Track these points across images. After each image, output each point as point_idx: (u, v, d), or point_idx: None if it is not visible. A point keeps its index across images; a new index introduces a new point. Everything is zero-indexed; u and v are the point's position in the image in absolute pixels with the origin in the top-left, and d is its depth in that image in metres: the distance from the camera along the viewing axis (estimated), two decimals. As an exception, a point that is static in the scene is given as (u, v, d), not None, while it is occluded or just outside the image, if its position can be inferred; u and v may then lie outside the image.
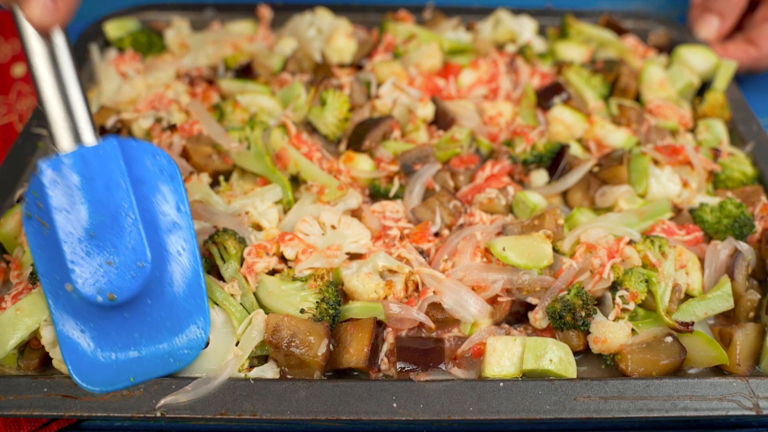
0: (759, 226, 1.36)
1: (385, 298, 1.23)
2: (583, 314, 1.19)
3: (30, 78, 1.92)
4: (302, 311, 1.17)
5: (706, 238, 1.37)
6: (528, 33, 1.92)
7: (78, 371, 1.09)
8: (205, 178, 1.40)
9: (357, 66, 1.80)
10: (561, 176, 1.47)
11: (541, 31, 1.97)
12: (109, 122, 1.57)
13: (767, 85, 1.98)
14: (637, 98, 1.74)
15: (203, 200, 1.34)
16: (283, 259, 1.29)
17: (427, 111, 1.58)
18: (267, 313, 1.19)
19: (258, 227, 1.34)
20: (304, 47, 1.81)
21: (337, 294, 1.21)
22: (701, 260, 1.32)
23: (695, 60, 1.79)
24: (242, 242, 1.28)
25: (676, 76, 1.75)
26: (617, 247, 1.25)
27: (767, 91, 1.96)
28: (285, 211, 1.39)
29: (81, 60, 1.80)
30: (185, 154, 1.45)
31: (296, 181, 1.44)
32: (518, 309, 1.28)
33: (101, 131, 1.56)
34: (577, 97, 1.67)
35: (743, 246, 1.30)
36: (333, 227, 1.31)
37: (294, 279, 1.24)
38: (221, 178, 1.44)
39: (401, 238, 1.33)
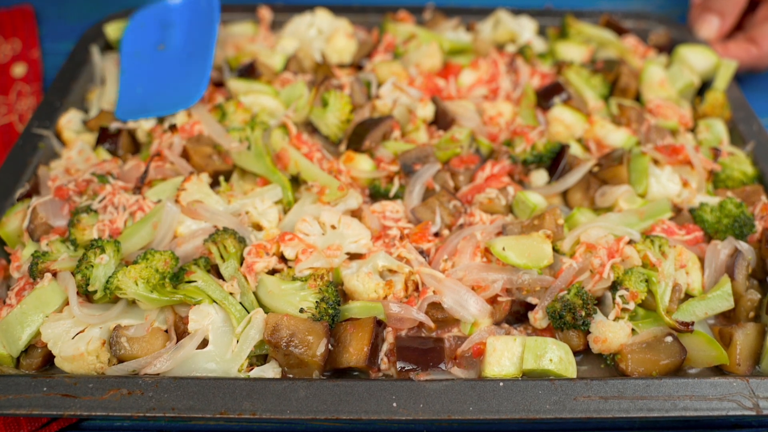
0: (759, 226, 1.36)
1: (385, 297, 1.23)
2: (583, 314, 1.19)
3: (29, 78, 1.94)
4: (301, 311, 1.17)
5: (706, 237, 1.37)
6: (528, 33, 1.92)
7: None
8: (205, 178, 1.40)
9: (357, 66, 1.80)
10: (561, 176, 1.47)
11: (541, 32, 1.97)
12: (113, 125, 1.57)
13: (767, 85, 1.97)
14: (637, 98, 1.74)
15: (203, 200, 1.34)
16: (282, 258, 1.29)
17: (427, 111, 1.58)
18: (266, 312, 1.19)
19: (258, 227, 1.34)
20: (304, 47, 1.82)
21: (337, 294, 1.21)
22: (701, 260, 1.32)
23: (695, 59, 1.78)
24: (242, 242, 1.28)
25: (677, 76, 1.75)
26: (617, 247, 1.25)
27: (767, 90, 1.96)
28: (285, 212, 1.39)
29: (82, 62, 1.81)
30: (185, 154, 1.46)
31: (296, 181, 1.44)
32: (518, 309, 1.27)
33: (102, 133, 1.55)
34: (577, 97, 1.67)
35: (743, 246, 1.30)
36: (333, 227, 1.31)
37: (294, 279, 1.24)
38: (221, 178, 1.44)
39: (401, 238, 1.33)
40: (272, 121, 1.56)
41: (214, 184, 1.44)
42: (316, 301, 1.18)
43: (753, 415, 1.08)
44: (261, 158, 1.43)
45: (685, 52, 1.80)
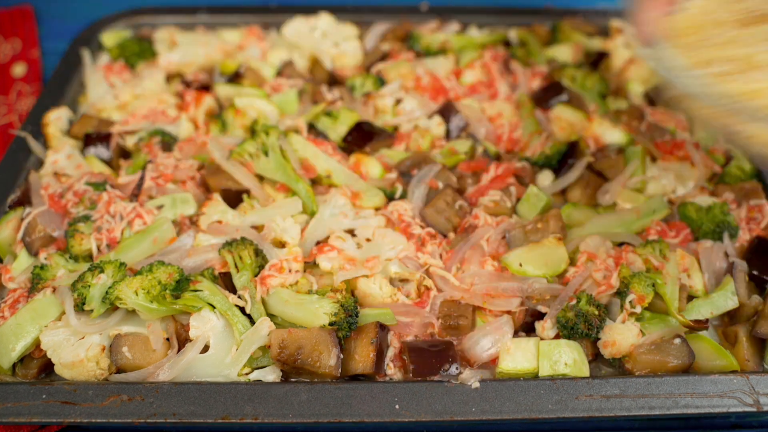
0: (745, 230, 1.36)
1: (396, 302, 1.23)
2: (598, 322, 1.18)
3: (29, 78, 1.92)
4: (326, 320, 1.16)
5: (693, 236, 1.37)
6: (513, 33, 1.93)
7: None
8: (218, 197, 1.40)
9: (366, 68, 1.79)
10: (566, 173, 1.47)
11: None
12: (115, 128, 1.56)
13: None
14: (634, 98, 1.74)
15: (221, 219, 1.34)
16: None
17: (440, 130, 1.58)
18: (277, 323, 1.18)
19: (281, 244, 1.32)
20: (312, 52, 1.81)
21: (356, 305, 1.19)
22: (697, 260, 1.31)
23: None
24: (258, 254, 1.26)
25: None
26: (620, 256, 1.25)
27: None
28: (309, 217, 1.38)
29: (74, 65, 1.79)
30: (203, 182, 1.46)
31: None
32: (528, 320, 1.25)
33: (87, 139, 1.53)
34: (575, 98, 1.67)
35: (739, 263, 1.29)
36: (368, 240, 1.30)
37: (309, 292, 1.22)
38: (244, 195, 1.42)
39: (422, 243, 1.32)
40: (282, 125, 1.55)
41: (237, 201, 1.42)
42: (335, 311, 1.16)
43: (754, 411, 1.09)
44: (281, 165, 1.41)
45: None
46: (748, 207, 1.40)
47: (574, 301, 1.20)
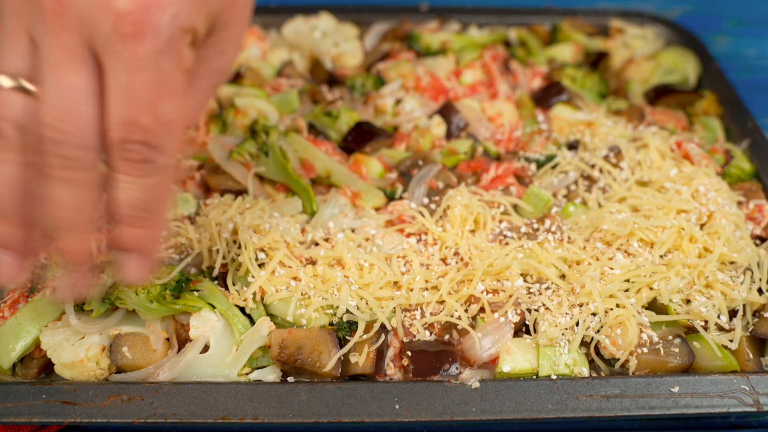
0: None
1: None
2: None
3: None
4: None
5: None
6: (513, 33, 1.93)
7: None
8: (218, 197, 1.39)
9: (366, 68, 1.79)
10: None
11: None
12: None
13: (767, 86, 1.98)
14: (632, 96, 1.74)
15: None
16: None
17: (440, 130, 1.58)
18: (277, 323, 1.18)
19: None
20: (312, 51, 1.80)
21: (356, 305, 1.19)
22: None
23: (684, 63, 1.80)
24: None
25: (669, 74, 1.76)
26: None
27: (767, 91, 1.97)
28: (309, 217, 1.38)
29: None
30: (203, 181, 1.45)
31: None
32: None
33: None
34: (575, 98, 1.67)
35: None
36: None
37: None
38: (243, 196, 1.41)
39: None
40: (282, 125, 1.55)
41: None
42: (334, 311, 1.16)
43: (754, 411, 1.09)
44: (281, 165, 1.40)
45: (674, 54, 1.81)
46: (748, 207, 1.40)
47: (573, 302, 1.20)
